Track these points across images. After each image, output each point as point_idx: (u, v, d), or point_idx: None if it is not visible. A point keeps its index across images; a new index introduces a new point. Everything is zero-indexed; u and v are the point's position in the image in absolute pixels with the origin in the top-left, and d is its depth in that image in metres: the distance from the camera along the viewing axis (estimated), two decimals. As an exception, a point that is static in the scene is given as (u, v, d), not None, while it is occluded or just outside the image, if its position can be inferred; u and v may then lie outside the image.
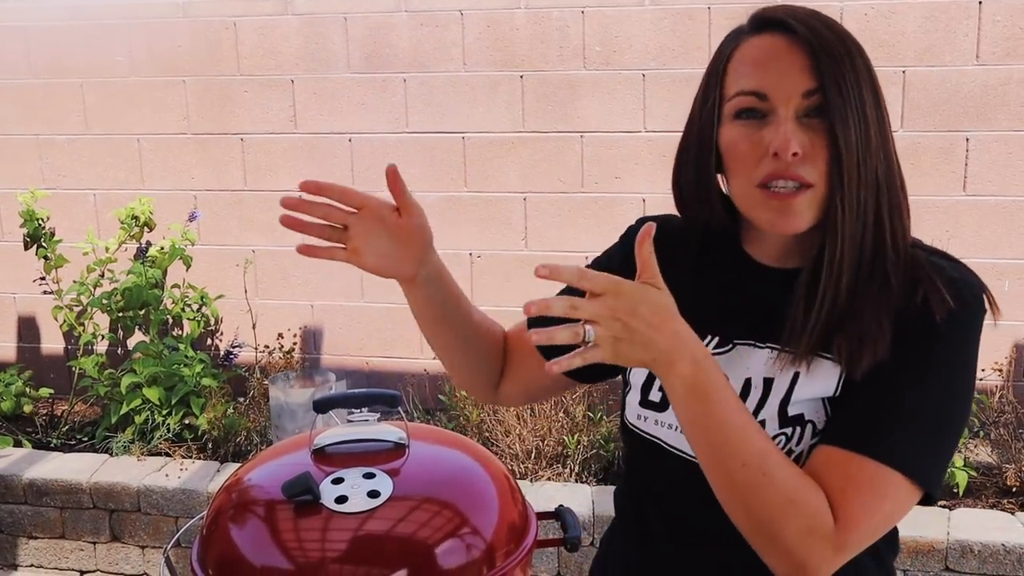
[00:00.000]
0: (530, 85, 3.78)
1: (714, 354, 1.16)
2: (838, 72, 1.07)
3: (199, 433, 3.71)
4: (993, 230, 3.56)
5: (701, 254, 1.27)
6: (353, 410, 1.72)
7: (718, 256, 1.25)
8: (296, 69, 3.94)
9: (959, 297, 1.09)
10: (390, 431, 1.61)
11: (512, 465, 3.42)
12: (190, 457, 3.61)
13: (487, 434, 3.55)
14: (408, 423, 1.65)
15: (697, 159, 1.18)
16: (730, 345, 1.19)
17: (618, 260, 1.32)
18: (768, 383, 1.15)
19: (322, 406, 1.71)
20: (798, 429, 1.11)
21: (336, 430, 1.63)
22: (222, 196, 4.09)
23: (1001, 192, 3.54)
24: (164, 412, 3.73)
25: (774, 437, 1.11)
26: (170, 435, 3.70)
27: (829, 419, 1.11)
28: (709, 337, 1.20)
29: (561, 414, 3.52)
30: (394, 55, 3.86)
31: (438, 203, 3.82)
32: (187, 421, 3.77)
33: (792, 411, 1.12)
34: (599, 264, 1.37)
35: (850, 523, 1.03)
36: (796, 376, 1.12)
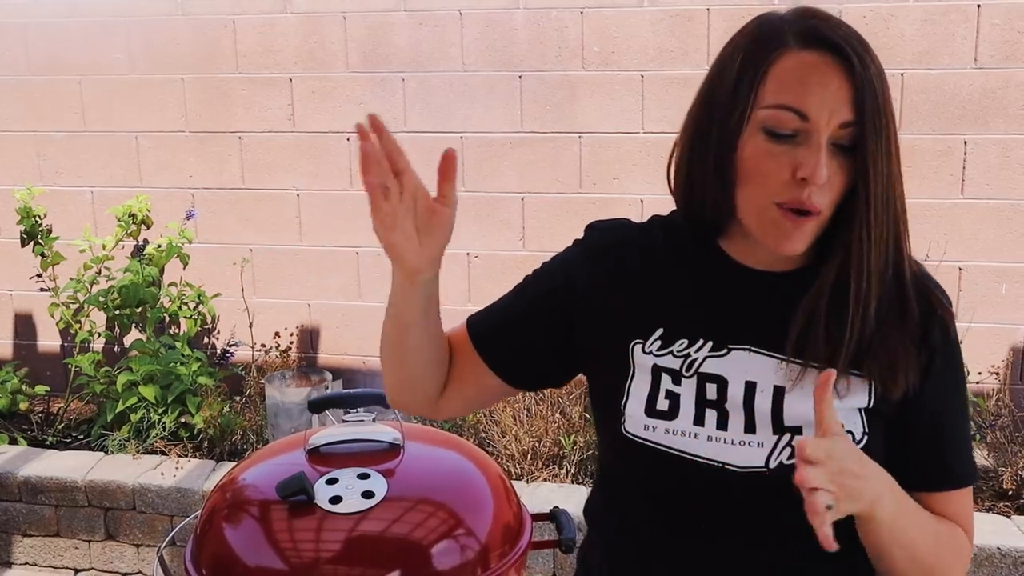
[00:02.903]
0: (529, 85, 3.78)
1: (709, 357, 1.18)
2: (876, 112, 1.08)
3: (195, 432, 3.70)
4: (990, 233, 3.56)
5: (674, 254, 1.25)
6: (349, 410, 1.72)
7: (695, 256, 1.24)
8: (295, 68, 3.94)
9: (949, 310, 1.20)
10: (385, 431, 1.61)
11: (508, 466, 3.42)
12: (186, 456, 3.61)
13: (483, 435, 3.55)
14: (403, 423, 1.65)
15: (719, 160, 1.14)
16: (725, 350, 1.19)
17: (586, 270, 1.27)
18: (779, 391, 1.16)
19: (318, 406, 1.71)
20: None
21: (331, 430, 1.63)
22: (220, 194, 4.09)
23: (998, 195, 3.54)
24: (160, 410, 3.72)
25: None
26: (166, 433, 3.69)
27: (902, 460, 1.19)
28: (702, 341, 1.19)
29: (557, 415, 3.52)
30: (393, 54, 3.85)
31: (436, 203, 3.78)
32: (183, 420, 3.77)
33: None
34: (555, 267, 1.30)
35: (971, 536, 1.24)
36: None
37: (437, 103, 3.83)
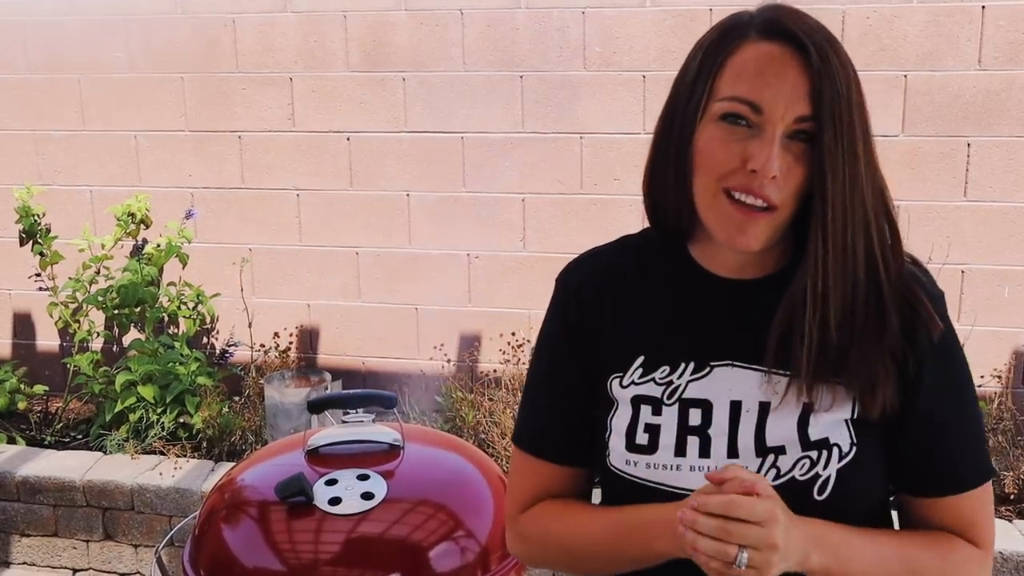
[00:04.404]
0: (530, 85, 3.76)
1: (692, 381, 1.16)
2: (836, 107, 1.04)
3: (194, 432, 3.69)
4: (993, 236, 3.55)
5: (645, 275, 1.23)
6: (348, 411, 1.70)
7: (668, 272, 1.22)
8: (295, 67, 3.93)
9: (942, 312, 1.14)
10: (385, 432, 1.60)
11: (508, 467, 3.40)
12: (184, 456, 3.59)
13: (483, 436, 3.54)
14: (403, 424, 1.63)
15: (678, 154, 1.14)
16: (707, 368, 1.16)
17: (568, 323, 1.24)
18: (764, 407, 1.13)
19: (317, 406, 1.70)
20: (824, 453, 1.11)
21: (331, 431, 1.62)
22: (219, 194, 4.08)
23: (1002, 198, 3.53)
24: (159, 410, 3.71)
25: (798, 460, 1.11)
26: (164, 434, 3.68)
27: (901, 467, 1.15)
28: (683, 365, 1.16)
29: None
30: (393, 54, 3.84)
31: (436, 203, 3.81)
32: (182, 420, 3.75)
33: (815, 435, 1.12)
34: (555, 342, 1.27)
35: (989, 539, 1.17)
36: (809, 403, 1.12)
37: (438, 103, 3.82)
